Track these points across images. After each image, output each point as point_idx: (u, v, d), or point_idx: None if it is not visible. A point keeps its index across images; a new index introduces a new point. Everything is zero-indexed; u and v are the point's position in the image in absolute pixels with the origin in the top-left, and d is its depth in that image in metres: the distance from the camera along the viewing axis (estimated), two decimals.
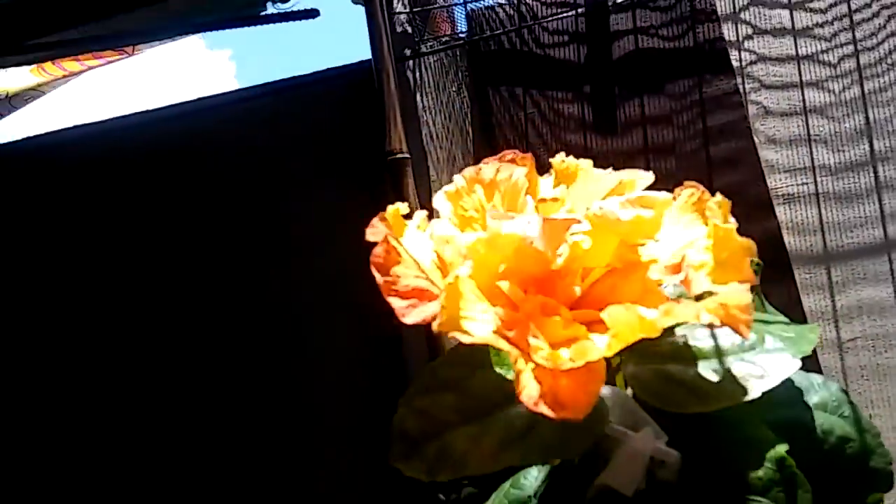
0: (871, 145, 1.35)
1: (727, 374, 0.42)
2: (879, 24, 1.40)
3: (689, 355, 0.43)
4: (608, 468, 0.39)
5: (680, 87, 1.33)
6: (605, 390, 0.44)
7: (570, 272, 0.40)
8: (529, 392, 0.33)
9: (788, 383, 0.48)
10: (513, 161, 0.43)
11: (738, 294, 0.35)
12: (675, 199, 0.41)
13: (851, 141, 1.36)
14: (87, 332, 1.44)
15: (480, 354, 0.42)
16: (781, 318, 0.48)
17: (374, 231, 0.38)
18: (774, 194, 1.34)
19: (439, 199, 0.41)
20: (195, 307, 1.41)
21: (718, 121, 1.30)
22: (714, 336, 0.43)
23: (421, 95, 1.46)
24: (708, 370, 0.42)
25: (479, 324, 0.35)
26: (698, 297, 0.37)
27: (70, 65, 1.63)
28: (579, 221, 0.37)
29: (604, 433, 0.41)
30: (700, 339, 0.43)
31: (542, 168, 0.46)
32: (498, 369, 0.42)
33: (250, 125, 1.45)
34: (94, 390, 1.41)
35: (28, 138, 1.58)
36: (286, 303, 1.36)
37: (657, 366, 0.43)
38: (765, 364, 0.42)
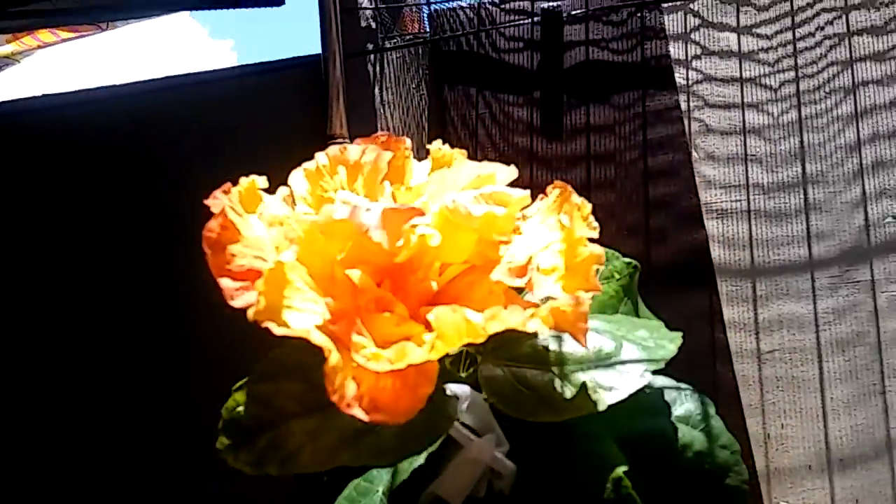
0: (804, 168, 1.33)
1: (580, 383, 0.38)
2: (821, 52, 1.37)
3: (547, 359, 0.40)
4: (441, 476, 0.36)
5: (625, 99, 1.30)
6: (461, 390, 0.41)
7: (422, 266, 0.36)
8: (342, 392, 0.29)
9: (657, 392, 0.45)
10: (385, 144, 0.38)
11: (574, 302, 0.31)
12: (544, 197, 0.37)
13: (785, 162, 1.33)
14: (55, 305, 1.39)
15: None
16: (653, 322, 0.44)
17: (214, 202, 0.34)
18: (708, 208, 1.32)
19: (296, 177, 0.37)
20: (150, 279, 1.36)
21: (658, 133, 1.27)
22: (573, 343, 0.40)
23: (381, 89, 1.42)
24: (562, 378, 0.39)
25: (301, 315, 0.31)
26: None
27: (45, 36, 1.57)
28: (422, 213, 0.33)
29: (446, 435, 0.37)
30: (560, 344, 0.40)
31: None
32: None
33: (213, 105, 1.40)
34: (60, 364, 1.36)
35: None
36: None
37: (514, 368, 0.40)
38: (616, 376, 0.38)
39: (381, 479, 0.43)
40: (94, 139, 1.40)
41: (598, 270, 0.33)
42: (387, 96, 1.43)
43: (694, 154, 1.33)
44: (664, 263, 1.24)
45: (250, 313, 0.30)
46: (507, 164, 0.39)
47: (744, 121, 1.36)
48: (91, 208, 1.39)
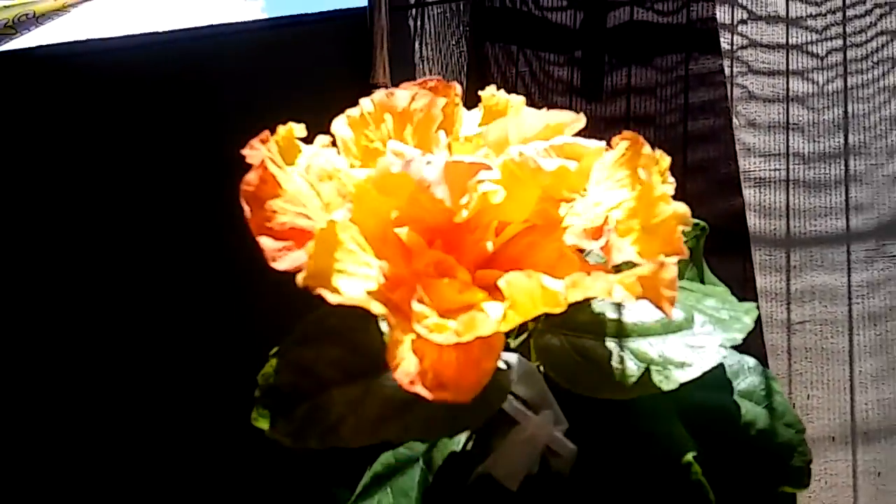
0: (846, 138, 1.24)
1: (647, 357, 0.33)
2: (870, 21, 1.28)
3: (609, 330, 0.35)
4: (494, 454, 0.31)
5: (667, 62, 1.22)
6: (513, 358, 0.36)
7: (480, 226, 0.31)
8: (405, 368, 0.25)
9: (719, 365, 0.40)
10: (434, 89, 0.33)
11: (662, 269, 0.26)
12: (608, 150, 0.32)
13: (827, 132, 1.25)
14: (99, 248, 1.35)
15: None
16: (720, 290, 0.39)
17: (252, 154, 0.29)
18: (746, 176, 1.24)
19: (339, 125, 0.31)
20: (187, 224, 1.31)
21: (700, 98, 1.19)
22: (637, 310, 0.34)
23: (420, 45, 1.35)
24: (627, 350, 0.34)
25: (354, 280, 0.26)
26: (617, 268, 0.28)
27: None
28: (489, 167, 0.28)
29: (500, 410, 0.32)
30: (623, 312, 0.35)
31: None
32: None
33: (256, 54, 1.33)
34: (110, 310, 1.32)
35: (44, 46, 1.47)
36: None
37: (573, 338, 0.35)
38: (689, 350, 0.33)
39: (421, 446, 0.39)
40: (137, 85, 1.35)
41: (695, 237, 0.28)
42: (426, 52, 1.36)
43: (735, 121, 1.26)
44: None
45: (300, 279, 0.25)
46: None
47: (787, 88, 1.27)
48: (129, 157, 1.35)
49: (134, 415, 1.24)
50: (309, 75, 1.27)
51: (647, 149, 0.31)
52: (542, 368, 0.35)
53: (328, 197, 0.27)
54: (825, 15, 1.30)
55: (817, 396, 1.18)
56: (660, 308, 0.26)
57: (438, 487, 0.35)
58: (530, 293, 0.25)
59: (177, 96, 1.34)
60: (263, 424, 0.31)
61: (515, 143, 0.30)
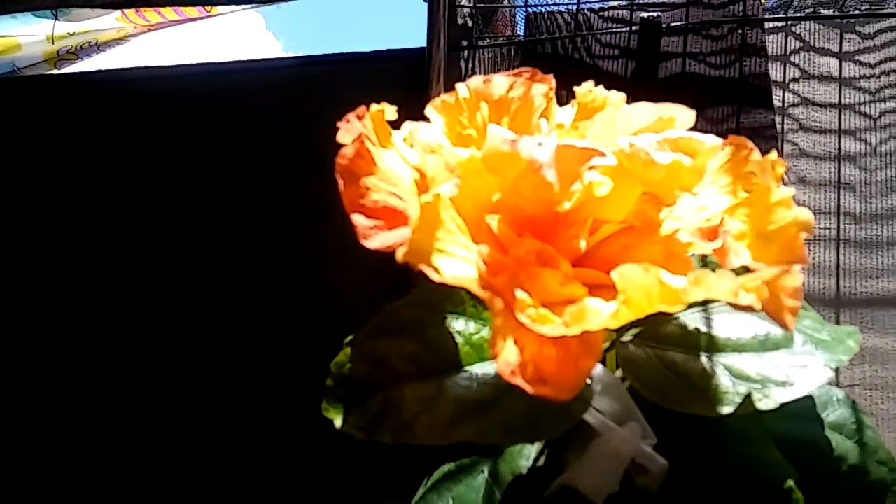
0: None
1: (744, 374, 0.31)
2: None
3: (700, 344, 0.32)
4: (578, 465, 0.29)
5: (718, 114, 1.20)
6: (595, 369, 0.34)
7: (577, 220, 0.29)
8: (507, 358, 0.23)
9: (808, 394, 0.37)
10: (531, 79, 0.31)
11: (786, 275, 0.24)
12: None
13: (880, 193, 1.22)
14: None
15: (457, 298, 0.31)
16: (813, 313, 0.36)
17: (348, 128, 0.27)
18: None
19: (432, 110, 0.30)
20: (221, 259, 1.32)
21: None
22: (728, 325, 0.32)
23: None
24: (720, 366, 0.31)
25: (456, 261, 0.24)
26: None
27: (151, 15, 1.55)
28: (603, 153, 0.26)
29: (581, 420, 0.30)
30: (714, 326, 0.32)
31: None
32: (472, 322, 0.31)
33: (303, 90, 1.35)
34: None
35: (101, 71, 1.50)
36: (315, 258, 1.25)
37: (659, 350, 0.33)
38: (791, 369, 0.30)
39: (483, 460, 0.36)
40: (195, 113, 1.37)
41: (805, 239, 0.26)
42: None
43: (785, 178, 1.23)
44: None
45: (400, 254, 0.23)
46: None
47: (839, 147, 1.25)
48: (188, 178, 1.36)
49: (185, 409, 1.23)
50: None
51: (756, 154, 0.29)
52: (625, 381, 0.33)
53: (434, 170, 0.26)
54: (878, 77, 1.28)
55: None
56: (779, 320, 0.24)
57: (508, 502, 0.32)
58: (647, 288, 0.23)
59: (232, 129, 1.36)
60: (335, 416, 0.29)
61: (623, 135, 0.29)
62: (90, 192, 1.39)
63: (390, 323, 0.32)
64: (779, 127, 1.25)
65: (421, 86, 1.18)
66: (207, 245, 1.31)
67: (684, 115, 0.29)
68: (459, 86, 0.31)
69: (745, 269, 0.26)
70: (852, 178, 1.24)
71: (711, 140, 0.28)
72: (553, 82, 0.33)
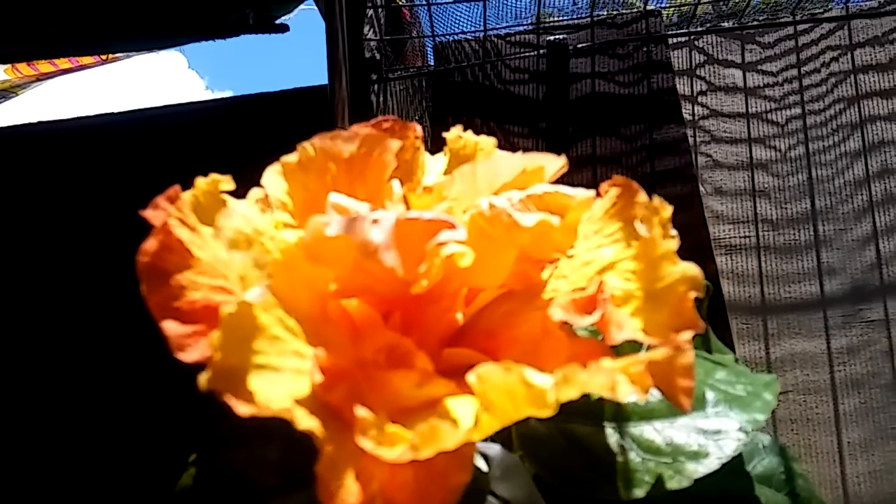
0: (813, 203, 1.23)
1: (653, 447, 0.27)
2: (826, 89, 1.29)
3: (605, 412, 0.29)
4: None
5: (631, 131, 1.20)
6: (493, 450, 0.29)
7: (446, 294, 0.25)
8: (344, 499, 0.18)
9: None
10: (390, 130, 0.27)
11: (677, 354, 0.20)
12: (599, 199, 0.26)
13: (794, 198, 1.24)
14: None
15: None
16: (728, 358, 0.33)
17: (154, 214, 0.22)
18: (717, 244, 1.22)
19: (271, 175, 0.26)
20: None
21: (665, 165, 1.17)
22: None
23: None
24: (628, 438, 0.27)
25: (280, 378, 0.19)
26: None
27: (43, 66, 1.47)
28: (452, 225, 0.22)
29: None
30: None
31: None
32: None
33: (217, 131, 1.29)
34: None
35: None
36: None
37: (562, 423, 0.29)
38: (703, 436, 0.27)
39: None
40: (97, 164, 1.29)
41: (697, 299, 0.22)
42: None
43: (701, 188, 1.23)
44: None
45: (202, 380, 0.18)
46: None
47: (751, 155, 1.27)
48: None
49: None
50: (270, 151, 1.23)
51: (642, 196, 0.26)
52: (526, 462, 0.29)
53: (242, 269, 0.21)
54: (781, 84, 1.31)
55: (806, 469, 1.11)
56: (674, 401, 0.20)
57: None
58: (510, 392, 0.19)
59: (137, 175, 1.29)
60: None
61: (486, 192, 0.25)
62: None
63: (245, 425, 0.27)
64: (691, 140, 1.25)
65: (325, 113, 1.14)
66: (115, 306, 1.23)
67: (552, 164, 0.26)
68: (302, 145, 0.26)
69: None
70: (766, 185, 1.25)
71: (581, 193, 0.24)
72: (418, 130, 0.29)
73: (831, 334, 1.16)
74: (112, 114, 1.37)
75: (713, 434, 0.27)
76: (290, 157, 0.26)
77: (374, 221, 0.20)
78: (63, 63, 1.45)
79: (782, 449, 0.35)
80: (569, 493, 0.27)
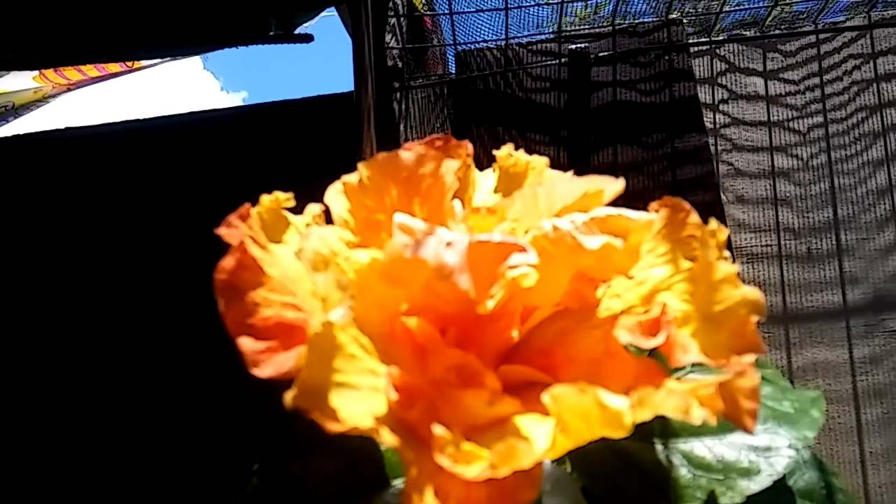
0: (835, 212, 1.22)
1: (704, 463, 0.27)
2: (848, 97, 1.28)
3: (654, 428, 0.29)
4: None
5: (653, 139, 1.20)
6: (543, 465, 0.30)
7: (505, 314, 0.25)
8: None
9: None
10: (444, 149, 0.28)
11: (743, 375, 0.20)
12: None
13: (816, 207, 1.23)
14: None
15: None
16: (771, 372, 0.33)
17: (230, 232, 0.23)
18: (739, 252, 1.21)
19: (334, 195, 0.26)
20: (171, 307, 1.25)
21: (687, 174, 1.17)
22: None
23: (405, 127, 1.33)
24: (677, 454, 0.28)
25: (361, 394, 0.20)
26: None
27: (71, 73, 1.48)
28: (524, 249, 0.22)
29: None
30: None
31: None
32: None
33: (245, 137, 1.31)
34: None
35: (29, 134, 1.43)
36: None
37: (610, 441, 0.29)
38: (753, 453, 0.27)
39: None
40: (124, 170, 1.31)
41: (757, 322, 0.22)
42: (411, 135, 1.34)
43: (723, 197, 1.23)
44: None
45: (288, 398, 0.19)
46: None
47: (773, 164, 1.26)
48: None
49: None
50: (298, 157, 1.24)
51: (694, 217, 0.26)
52: (575, 475, 0.29)
53: (324, 290, 0.21)
54: (803, 92, 1.30)
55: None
56: (739, 422, 0.21)
57: None
58: (585, 414, 0.19)
59: (166, 181, 1.31)
60: None
61: (546, 214, 0.25)
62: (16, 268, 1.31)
63: (305, 438, 0.27)
64: (712, 148, 1.25)
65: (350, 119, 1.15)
66: (140, 308, 1.25)
67: (611, 187, 0.26)
68: (362, 164, 0.27)
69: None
70: (788, 194, 1.24)
71: (643, 217, 0.25)
72: (470, 148, 0.30)
73: (853, 343, 1.16)
74: (138, 120, 1.38)
75: (763, 451, 0.27)
76: (351, 177, 0.26)
77: (449, 244, 0.21)
78: (91, 71, 1.47)
79: (822, 464, 0.35)
80: None
